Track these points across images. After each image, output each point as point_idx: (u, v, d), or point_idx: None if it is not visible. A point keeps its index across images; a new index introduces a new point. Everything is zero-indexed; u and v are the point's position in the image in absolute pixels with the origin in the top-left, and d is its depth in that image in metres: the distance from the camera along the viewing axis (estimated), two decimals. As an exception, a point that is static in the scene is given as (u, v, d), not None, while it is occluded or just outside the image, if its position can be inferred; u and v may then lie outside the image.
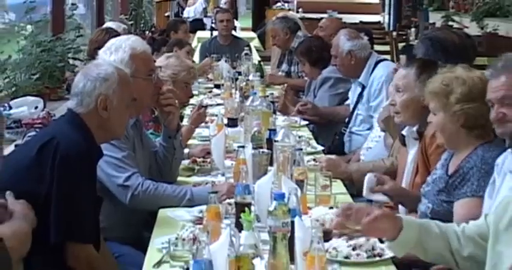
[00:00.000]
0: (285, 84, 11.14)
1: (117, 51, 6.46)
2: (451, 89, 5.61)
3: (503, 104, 5.07)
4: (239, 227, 4.95)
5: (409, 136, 6.74)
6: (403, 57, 8.09)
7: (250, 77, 10.68)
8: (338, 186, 6.82)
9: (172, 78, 7.71)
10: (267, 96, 9.25)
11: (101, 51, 6.65)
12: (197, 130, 8.55)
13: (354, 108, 9.49)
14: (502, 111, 5.06)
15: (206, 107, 8.25)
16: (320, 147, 8.34)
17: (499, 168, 5.30)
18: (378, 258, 5.15)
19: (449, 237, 4.66)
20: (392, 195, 6.32)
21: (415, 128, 6.59)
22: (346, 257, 5.07)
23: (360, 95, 9.41)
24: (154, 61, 7.02)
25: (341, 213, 4.42)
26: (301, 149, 6.79)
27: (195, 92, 10.20)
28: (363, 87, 9.31)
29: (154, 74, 6.76)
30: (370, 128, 9.13)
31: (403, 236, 4.44)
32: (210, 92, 11.00)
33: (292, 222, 4.72)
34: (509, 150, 5.09)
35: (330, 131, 9.83)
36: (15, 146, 6.07)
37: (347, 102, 10.03)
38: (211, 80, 12.01)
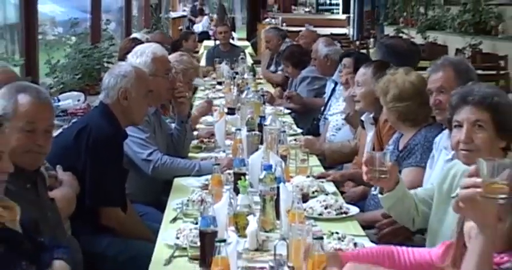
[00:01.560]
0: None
1: (141, 56, 6.56)
2: (388, 89, 5.68)
3: (440, 92, 5.22)
4: (236, 191, 4.96)
5: (367, 121, 6.76)
6: (347, 60, 8.14)
7: (245, 76, 10.72)
8: (313, 160, 6.83)
9: (183, 72, 7.69)
10: (258, 90, 9.26)
11: (129, 55, 6.75)
12: (204, 117, 8.58)
13: (328, 100, 9.46)
14: (439, 99, 5.20)
15: (212, 101, 8.16)
16: (299, 130, 8.33)
17: (437, 145, 5.35)
18: (344, 215, 5.15)
19: (413, 197, 4.65)
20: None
21: (371, 115, 6.61)
22: (320, 214, 5.08)
23: (333, 90, 9.38)
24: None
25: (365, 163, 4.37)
26: (285, 131, 6.78)
27: (201, 88, 10.18)
28: (336, 84, 9.28)
29: (170, 73, 6.82)
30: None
31: (397, 188, 4.41)
32: (214, 87, 10.93)
33: (278, 188, 4.74)
34: (444, 131, 5.10)
35: (308, 117, 9.80)
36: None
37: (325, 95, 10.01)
38: (214, 78, 11.91)
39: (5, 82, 4.48)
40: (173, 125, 7.10)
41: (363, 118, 6.88)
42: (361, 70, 6.73)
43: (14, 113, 4.10)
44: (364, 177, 4.41)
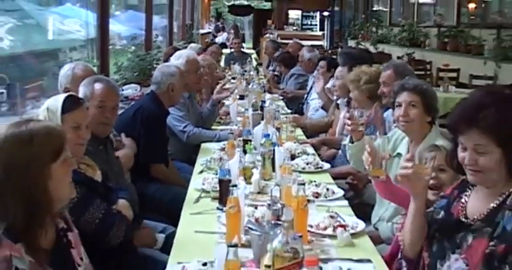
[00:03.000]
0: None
1: (179, 58, 6.70)
2: (360, 77, 5.65)
3: (384, 85, 5.31)
4: (245, 152, 4.94)
5: (342, 103, 6.82)
6: (322, 62, 8.25)
7: (251, 73, 10.80)
8: (299, 131, 6.83)
9: (208, 66, 7.76)
10: (260, 84, 9.21)
11: (172, 58, 6.95)
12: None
13: (309, 91, 9.44)
14: (383, 90, 5.31)
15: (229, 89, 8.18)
16: (289, 111, 8.31)
17: (386, 121, 5.33)
18: (320, 169, 5.15)
19: None
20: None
21: (345, 99, 6.60)
22: (303, 168, 5.09)
23: (313, 83, 9.38)
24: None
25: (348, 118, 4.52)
26: (279, 111, 6.80)
27: (220, 81, 10.18)
28: (315, 78, 9.33)
29: (199, 71, 6.90)
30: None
31: (361, 140, 4.38)
32: (230, 81, 10.85)
33: (274, 150, 4.69)
34: (389, 109, 5.07)
35: (296, 101, 9.78)
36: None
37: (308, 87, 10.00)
38: (230, 74, 11.86)
39: (87, 75, 4.53)
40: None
41: (339, 101, 7.01)
42: (339, 68, 6.86)
43: (91, 95, 4.12)
44: (348, 128, 4.56)
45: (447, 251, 2.82)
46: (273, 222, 3.27)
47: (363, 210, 4.36)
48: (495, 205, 2.72)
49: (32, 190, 2.41)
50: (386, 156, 3.46)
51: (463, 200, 2.91)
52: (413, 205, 3.02)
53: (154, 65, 9.63)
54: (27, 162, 2.43)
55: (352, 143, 4.58)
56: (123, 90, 8.21)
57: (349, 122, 4.51)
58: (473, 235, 2.72)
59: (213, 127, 7.04)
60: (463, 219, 2.83)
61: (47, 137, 2.48)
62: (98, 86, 4.20)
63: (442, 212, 3.01)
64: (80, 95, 4.07)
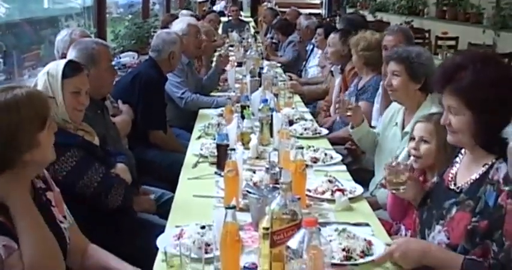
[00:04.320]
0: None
1: (180, 23, 6.83)
2: (359, 42, 5.68)
3: (388, 48, 5.24)
4: (243, 117, 4.91)
5: (335, 71, 6.82)
6: (320, 30, 8.33)
7: (249, 40, 10.65)
8: (296, 97, 6.79)
9: (205, 32, 7.72)
10: (258, 51, 9.15)
11: (173, 23, 7.11)
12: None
13: (308, 57, 9.41)
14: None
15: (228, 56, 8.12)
16: (287, 77, 8.22)
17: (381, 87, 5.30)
18: (318, 135, 5.20)
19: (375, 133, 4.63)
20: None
21: (339, 67, 6.61)
22: (301, 134, 5.09)
23: (311, 50, 9.35)
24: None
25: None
26: (277, 77, 6.79)
27: (218, 49, 10.11)
28: (313, 46, 9.23)
29: (199, 36, 6.89)
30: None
31: (362, 125, 4.44)
32: (228, 49, 10.77)
33: (272, 115, 4.67)
34: None
35: (295, 68, 9.76)
36: (123, 77, 6.09)
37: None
38: (228, 42, 11.77)
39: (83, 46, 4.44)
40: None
41: (332, 69, 7.01)
42: (331, 35, 6.83)
43: (99, 57, 4.13)
44: (337, 113, 4.69)
45: (433, 221, 2.83)
46: (271, 185, 3.27)
47: (362, 176, 4.35)
48: (478, 175, 2.71)
49: (13, 154, 2.40)
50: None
51: (454, 167, 2.91)
52: (414, 202, 3.13)
53: (152, 33, 9.58)
54: (14, 132, 2.41)
55: (353, 128, 4.56)
56: (120, 58, 8.19)
57: (337, 105, 4.55)
58: (457, 207, 2.72)
59: (211, 94, 7.01)
60: (452, 187, 2.83)
61: (32, 105, 2.46)
62: (102, 48, 4.21)
63: (437, 178, 3.03)
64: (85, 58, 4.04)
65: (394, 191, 3.10)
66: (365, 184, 4.19)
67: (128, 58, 8.35)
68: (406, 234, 3.37)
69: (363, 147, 4.81)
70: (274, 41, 11.85)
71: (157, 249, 2.83)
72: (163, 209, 3.86)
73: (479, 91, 2.61)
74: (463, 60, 2.72)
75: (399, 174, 3.03)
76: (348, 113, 4.48)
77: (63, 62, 3.49)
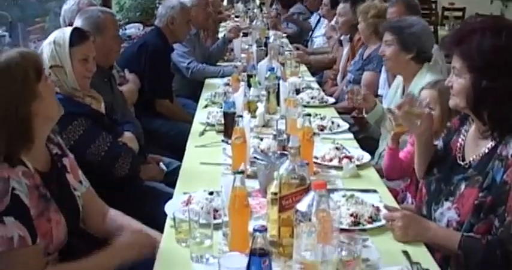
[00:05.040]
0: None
1: None
2: (369, 10, 5.68)
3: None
4: (249, 86, 4.89)
5: (344, 40, 6.83)
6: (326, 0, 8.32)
7: (255, 11, 10.64)
8: (303, 67, 6.78)
9: (212, 3, 7.71)
10: (264, 21, 9.11)
11: None
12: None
13: (314, 28, 9.37)
14: None
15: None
16: (293, 47, 8.18)
17: None
18: (325, 103, 5.20)
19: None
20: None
21: (348, 36, 6.62)
22: (308, 103, 5.07)
23: (318, 21, 9.30)
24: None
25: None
26: (283, 47, 6.77)
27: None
28: (320, 17, 9.19)
29: (208, 7, 6.96)
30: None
31: (376, 108, 4.35)
32: (233, 19, 10.73)
33: (278, 84, 4.65)
34: None
35: (301, 38, 9.72)
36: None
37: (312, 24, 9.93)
38: (233, 13, 11.73)
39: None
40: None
41: (342, 38, 7.00)
42: (341, 5, 6.89)
43: (105, 25, 4.14)
44: (349, 103, 4.53)
45: (442, 196, 2.81)
46: (278, 152, 3.27)
47: (368, 144, 4.34)
48: (487, 150, 2.69)
49: (19, 111, 2.39)
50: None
51: (461, 138, 2.89)
52: (417, 142, 3.05)
53: (157, 5, 9.54)
54: (15, 84, 2.40)
55: (367, 113, 4.55)
56: (126, 29, 8.18)
57: (349, 95, 4.48)
58: (466, 183, 2.70)
59: (217, 64, 7.02)
60: (460, 162, 2.82)
61: (23, 59, 2.44)
62: (109, 16, 4.22)
63: (441, 143, 3.02)
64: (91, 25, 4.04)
65: (405, 122, 3.04)
66: (372, 152, 4.19)
67: (134, 30, 8.34)
68: (412, 203, 3.39)
69: (381, 127, 4.78)
70: (279, 12, 11.80)
71: (165, 216, 2.84)
72: (171, 177, 3.87)
73: (482, 56, 2.58)
74: (475, 25, 2.70)
75: (415, 106, 3.00)
76: (359, 102, 4.42)
77: (69, 30, 3.47)
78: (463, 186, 2.71)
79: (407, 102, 3.02)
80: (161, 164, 4.25)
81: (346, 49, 6.70)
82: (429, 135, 3.02)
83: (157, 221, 2.87)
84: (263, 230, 1.96)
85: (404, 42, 4.17)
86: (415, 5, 5.50)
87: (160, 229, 2.77)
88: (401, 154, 3.71)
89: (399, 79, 4.47)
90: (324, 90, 5.95)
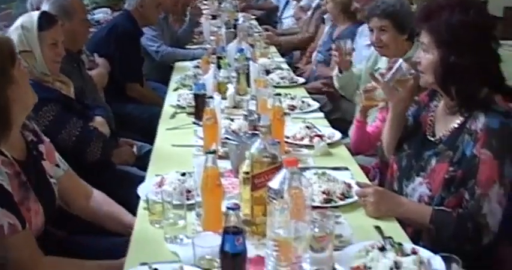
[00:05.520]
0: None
1: None
2: None
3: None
4: (219, 67, 4.88)
5: (327, 18, 6.70)
6: None
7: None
8: (273, 48, 6.81)
9: None
10: (232, 3, 9.09)
11: None
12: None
13: (283, 9, 9.38)
14: (355, 6, 5.50)
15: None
16: (263, 29, 8.16)
17: (359, 33, 5.38)
18: (295, 84, 5.18)
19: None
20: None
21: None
22: (278, 83, 5.07)
23: (287, 3, 9.32)
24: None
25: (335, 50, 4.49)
26: (252, 28, 6.76)
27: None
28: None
29: None
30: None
31: (350, 69, 4.45)
32: (202, 2, 10.65)
33: (248, 65, 4.65)
34: (364, 24, 5.01)
35: (270, 20, 9.71)
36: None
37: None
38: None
39: None
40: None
41: (324, 16, 6.96)
42: None
43: (75, 9, 4.15)
44: (336, 59, 4.57)
45: (413, 172, 2.84)
46: (250, 132, 3.28)
47: (340, 125, 4.33)
48: (456, 125, 2.71)
49: None
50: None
51: (431, 114, 2.91)
52: (391, 113, 3.05)
53: (126, -12, 9.53)
54: None
55: (341, 73, 4.55)
56: (94, 14, 8.12)
57: (336, 53, 4.49)
58: (437, 158, 2.73)
59: (186, 47, 6.99)
60: (430, 138, 2.84)
61: None
62: (76, 0, 4.22)
63: (411, 119, 3.03)
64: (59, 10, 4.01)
65: (383, 86, 3.07)
66: (344, 133, 4.21)
67: (102, 14, 8.28)
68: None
69: (345, 93, 4.79)
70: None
71: (138, 199, 2.84)
72: (143, 161, 3.86)
73: (450, 31, 2.60)
74: (443, 1, 2.71)
75: (400, 73, 3.01)
76: (347, 58, 4.48)
77: (36, 14, 3.45)
78: (433, 162, 2.73)
79: (393, 69, 3.04)
80: (134, 148, 4.25)
81: (327, 27, 6.66)
82: (405, 107, 3.02)
83: (130, 204, 2.87)
84: (236, 208, 1.97)
85: (400, 25, 4.06)
86: None
87: (134, 212, 2.77)
88: (370, 128, 3.75)
89: (374, 54, 4.48)
90: (297, 68, 5.99)
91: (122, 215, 2.92)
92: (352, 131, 3.75)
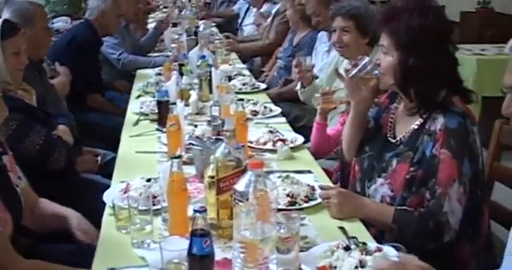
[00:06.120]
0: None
1: None
2: None
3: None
4: (181, 74, 4.89)
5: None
6: None
7: (183, 1, 10.66)
8: (234, 55, 6.86)
9: None
10: (193, 10, 9.11)
11: None
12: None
13: (244, 16, 9.41)
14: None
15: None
16: (224, 36, 8.19)
17: (319, 40, 5.41)
18: (256, 89, 5.22)
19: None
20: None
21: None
22: (240, 89, 5.13)
23: (247, 10, 9.35)
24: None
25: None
26: (213, 35, 6.79)
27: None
28: (249, 5, 9.22)
29: (139, 3, 7.25)
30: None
31: (313, 83, 4.48)
32: (162, 10, 10.67)
33: (210, 71, 4.67)
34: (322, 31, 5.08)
35: (230, 27, 9.72)
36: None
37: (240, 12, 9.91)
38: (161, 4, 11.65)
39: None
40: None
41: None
42: None
43: (36, 18, 4.12)
44: (297, 76, 4.59)
45: (375, 173, 2.88)
46: (214, 137, 3.30)
47: (304, 133, 4.38)
48: (416, 126, 2.77)
49: None
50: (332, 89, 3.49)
51: (391, 116, 2.96)
52: (353, 112, 3.08)
53: (85, -2, 9.49)
54: None
55: (304, 88, 4.59)
56: (53, 23, 8.07)
57: (296, 70, 4.51)
58: (397, 159, 2.77)
59: (148, 55, 6.98)
60: (391, 140, 2.89)
61: None
62: (38, 8, 4.19)
63: (372, 121, 3.08)
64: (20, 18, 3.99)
65: (347, 83, 3.08)
66: (308, 139, 4.25)
67: (61, 23, 8.23)
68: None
69: (312, 104, 4.82)
70: (207, 1, 11.76)
71: (104, 206, 2.84)
72: (107, 169, 3.87)
73: (410, 34, 2.65)
74: (403, 5, 2.77)
75: (364, 71, 3.04)
76: (308, 75, 4.49)
77: None
78: (394, 162, 2.78)
79: (358, 67, 3.07)
80: (99, 157, 4.24)
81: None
82: (366, 106, 3.06)
83: (95, 211, 2.87)
84: (203, 210, 1.99)
85: (362, 27, 4.09)
86: None
87: (100, 219, 2.77)
88: (330, 131, 3.80)
89: (335, 59, 4.52)
90: (262, 72, 6.04)
91: (68, 215, 2.87)
92: (312, 133, 3.80)
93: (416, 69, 2.66)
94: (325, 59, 5.10)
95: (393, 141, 2.87)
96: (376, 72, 2.96)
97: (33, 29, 4.03)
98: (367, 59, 3.03)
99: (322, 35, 5.39)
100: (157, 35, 7.43)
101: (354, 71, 3.02)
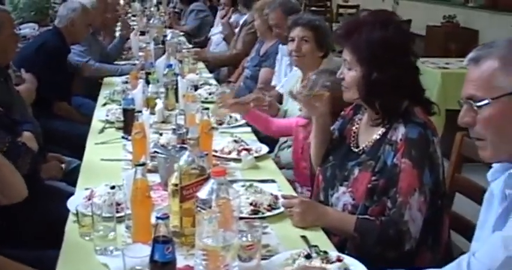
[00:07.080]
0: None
1: None
2: (263, 7, 5.82)
3: (277, 27, 5.46)
4: (148, 82, 4.90)
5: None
6: None
7: (151, 9, 10.68)
8: (201, 64, 6.86)
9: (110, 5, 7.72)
10: (161, 19, 9.12)
11: None
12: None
13: (211, 26, 9.45)
14: (277, 31, 5.47)
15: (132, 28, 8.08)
16: (191, 46, 8.21)
17: (280, 54, 5.50)
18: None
19: None
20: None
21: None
22: (206, 98, 5.13)
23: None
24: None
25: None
26: (180, 44, 6.80)
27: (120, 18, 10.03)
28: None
29: (106, 12, 7.25)
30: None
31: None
32: (130, 18, 10.65)
33: (177, 80, 4.69)
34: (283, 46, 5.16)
35: (198, 36, 9.73)
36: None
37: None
38: (130, 12, 11.63)
39: None
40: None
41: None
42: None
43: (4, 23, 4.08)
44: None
45: (337, 182, 2.92)
46: (178, 146, 3.31)
47: (268, 143, 4.40)
48: (378, 136, 2.81)
49: None
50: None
51: (355, 127, 3.01)
52: (316, 124, 3.13)
53: (52, 4, 9.40)
54: None
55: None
56: (20, 29, 8.01)
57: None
58: (359, 168, 2.81)
59: (114, 63, 6.97)
60: (354, 149, 2.93)
61: None
62: (4, 14, 4.16)
63: (337, 133, 3.12)
64: None
65: (303, 103, 3.16)
66: (272, 149, 4.28)
67: (28, 30, 8.14)
68: (302, 193, 3.57)
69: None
70: (176, 10, 11.76)
71: (68, 212, 2.84)
72: (71, 176, 3.85)
73: (370, 49, 2.70)
74: (364, 18, 2.82)
75: (315, 88, 3.10)
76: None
77: None
78: (356, 171, 2.82)
79: (309, 85, 3.13)
80: (63, 164, 4.23)
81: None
82: (326, 120, 3.11)
83: (59, 218, 2.86)
84: (165, 217, 2.00)
85: (320, 40, 4.19)
86: (291, 7, 5.44)
87: (63, 225, 2.77)
88: (282, 120, 4.14)
89: (295, 77, 4.56)
90: (230, 82, 6.08)
91: None
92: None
93: (380, 82, 2.70)
94: (288, 73, 5.13)
95: (356, 150, 2.91)
96: (327, 84, 3.03)
97: (0, 35, 4.01)
98: (313, 77, 3.11)
99: (284, 47, 5.43)
100: (122, 43, 7.46)
101: (306, 92, 3.11)
